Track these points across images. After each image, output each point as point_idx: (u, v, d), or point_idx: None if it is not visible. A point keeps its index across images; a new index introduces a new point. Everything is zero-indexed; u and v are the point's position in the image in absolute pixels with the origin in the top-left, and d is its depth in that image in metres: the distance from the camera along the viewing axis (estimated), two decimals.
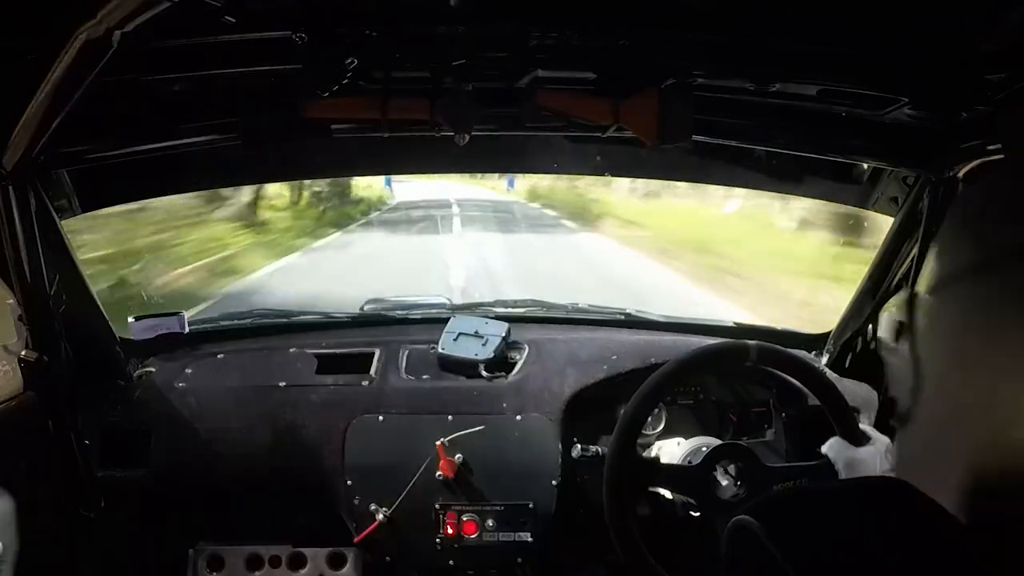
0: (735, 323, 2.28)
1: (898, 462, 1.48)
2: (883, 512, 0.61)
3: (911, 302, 1.73)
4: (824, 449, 1.50)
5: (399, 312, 2.35)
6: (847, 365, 1.99)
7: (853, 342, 1.97)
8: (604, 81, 1.44)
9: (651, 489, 1.65)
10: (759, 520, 0.60)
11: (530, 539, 1.78)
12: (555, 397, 1.84)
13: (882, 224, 1.87)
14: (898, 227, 1.78)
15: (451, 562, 1.80)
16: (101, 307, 1.83)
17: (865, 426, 1.52)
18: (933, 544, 0.57)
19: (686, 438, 1.76)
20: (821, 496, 0.70)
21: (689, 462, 1.63)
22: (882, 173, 1.78)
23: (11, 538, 1.50)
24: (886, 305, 1.85)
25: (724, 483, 1.54)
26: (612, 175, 2.11)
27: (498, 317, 2.07)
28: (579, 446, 1.68)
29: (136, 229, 7.53)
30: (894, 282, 1.83)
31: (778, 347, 1.61)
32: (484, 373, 1.90)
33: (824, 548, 0.58)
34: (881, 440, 1.47)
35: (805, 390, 1.61)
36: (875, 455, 1.42)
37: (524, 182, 17.36)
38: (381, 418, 1.82)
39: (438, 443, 1.75)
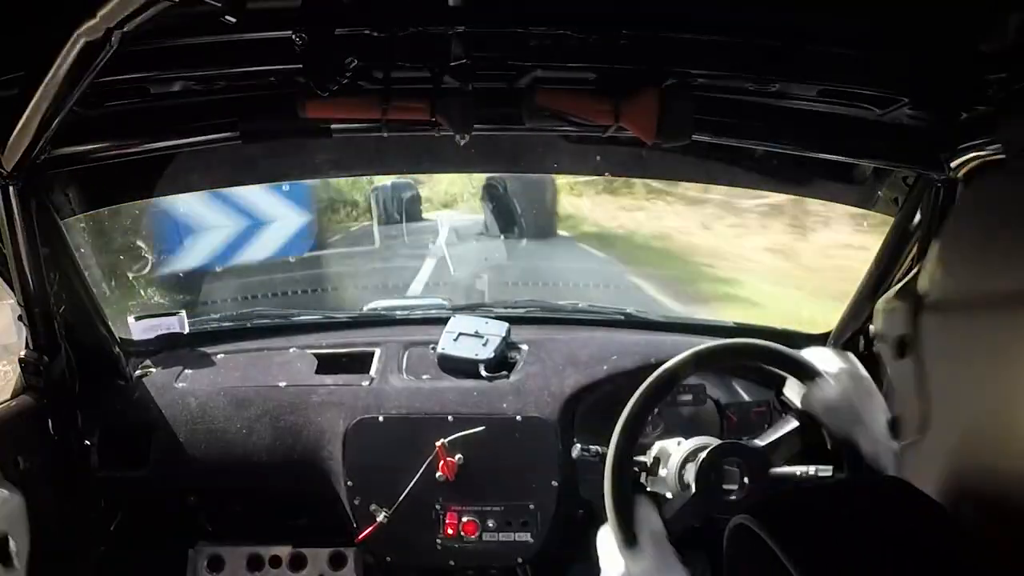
0: (735, 323, 2.28)
1: (898, 463, 1.48)
2: (884, 511, 0.61)
3: (911, 302, 1.73)
4: (786, 391, 1.52)
5: (399, 312, 2.35)
6: None
7: (853, 342, 1.97)
8: (604, 81, 1.44)
9: (652, 489, 1.65)
10: (759, 519, 0.60)
11: (530, 539, 1.78)
12: (555, 397, 1.84)
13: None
14: (898, 227, 1.77)
15: (451, 562, 1.80)
16: (101, 307, 1.83)
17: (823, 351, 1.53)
18: (934, 544, 0.57)
19: (686, 438, 1.76)
20: (821, 495, 0.70)
21: (685, 472, 1.63)
22: (882, 173, 1.78)
23: (23, 535, 1.51)
24: (886, 305, 1.84)
25: (725, 482, 1.54)
26: (612, 175, 2.11)
27: (498, 317, 2.07)
28: (579, 446, 1.67)
29: None
30: (894, 282, 1.83)
31: (778, 346, 1.60)
32: (484, 373, 1.89)
33: (826, 546, 0.57)
34: (845, 368, 1.46)
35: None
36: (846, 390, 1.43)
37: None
38: (381, 419, 1.82)
39: (438, 444, 1.75)
